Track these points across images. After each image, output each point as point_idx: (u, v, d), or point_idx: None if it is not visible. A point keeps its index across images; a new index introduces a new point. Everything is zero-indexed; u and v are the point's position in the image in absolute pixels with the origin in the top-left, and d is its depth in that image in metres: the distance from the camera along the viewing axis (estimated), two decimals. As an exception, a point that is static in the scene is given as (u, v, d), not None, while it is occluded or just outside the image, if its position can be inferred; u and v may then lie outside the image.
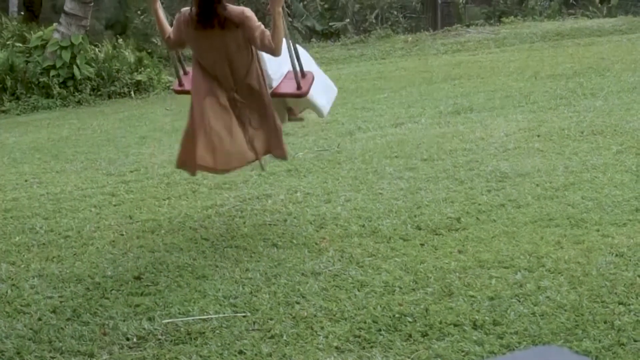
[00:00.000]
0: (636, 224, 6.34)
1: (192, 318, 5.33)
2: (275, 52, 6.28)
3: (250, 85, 6.45)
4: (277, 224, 7.15)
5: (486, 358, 4.21)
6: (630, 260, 5.63)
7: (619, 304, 5.01)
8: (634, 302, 5.01)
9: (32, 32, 20.24)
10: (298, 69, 6.66)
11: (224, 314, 5.37)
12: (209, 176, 8.88)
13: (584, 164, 8.07)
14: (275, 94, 6.73)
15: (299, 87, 6.67)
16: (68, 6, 19.15)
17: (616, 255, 5.73)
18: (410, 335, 4.84)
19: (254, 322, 5.21)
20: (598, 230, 6.27)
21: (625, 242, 5.94)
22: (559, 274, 5.50)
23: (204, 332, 5.12)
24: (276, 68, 6.72)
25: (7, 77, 18.71)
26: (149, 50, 21.05)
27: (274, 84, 6.72)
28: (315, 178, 8.56)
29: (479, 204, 7.14)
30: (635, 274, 5.39)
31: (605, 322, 4.78)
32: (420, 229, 6.68)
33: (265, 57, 6.53)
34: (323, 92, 7.12)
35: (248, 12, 6.26)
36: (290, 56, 6.60)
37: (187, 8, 6.41)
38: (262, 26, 6.29)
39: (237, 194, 8.18)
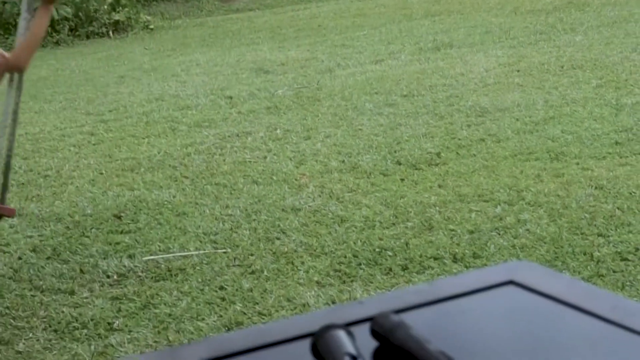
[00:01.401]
0: (615, 157, 6.35)
1: (173, 255, 5.34)
2: None
3: None
4: (257, 160, 7.13)
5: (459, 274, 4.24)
6: (609, 192, 5.65)
7: (599, 235, 5.04)
8: (613, 234, 5.04)
9: (7, -29, 20.02)
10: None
11: (205, 250, 5.37)
12: (188, 114, 8.84)
13: (564, 98, 8.06)
14: None
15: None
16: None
17: (595, 187, 5.75)
18: (390, 269, 4.86)
19: (235, 258, 5.22)
20: (578, 164, 6.28)
21: (605, 175, 5.96)
22: (539, 206, 5.52)
23: (184, 269, 5.13)
24: None
25: (-17, 17, 18.54)
26: (127, -10, 20.83)
27: None
28: (294, 115, 8.53)
29: (459, 139, 7.14)
30: (615, 206, 5.42)
31: (584, 254, 4.81)
32: (400, 164, 6.67)
33: None
34: None
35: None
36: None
37: None
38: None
39: (217, 131, 8.14)
